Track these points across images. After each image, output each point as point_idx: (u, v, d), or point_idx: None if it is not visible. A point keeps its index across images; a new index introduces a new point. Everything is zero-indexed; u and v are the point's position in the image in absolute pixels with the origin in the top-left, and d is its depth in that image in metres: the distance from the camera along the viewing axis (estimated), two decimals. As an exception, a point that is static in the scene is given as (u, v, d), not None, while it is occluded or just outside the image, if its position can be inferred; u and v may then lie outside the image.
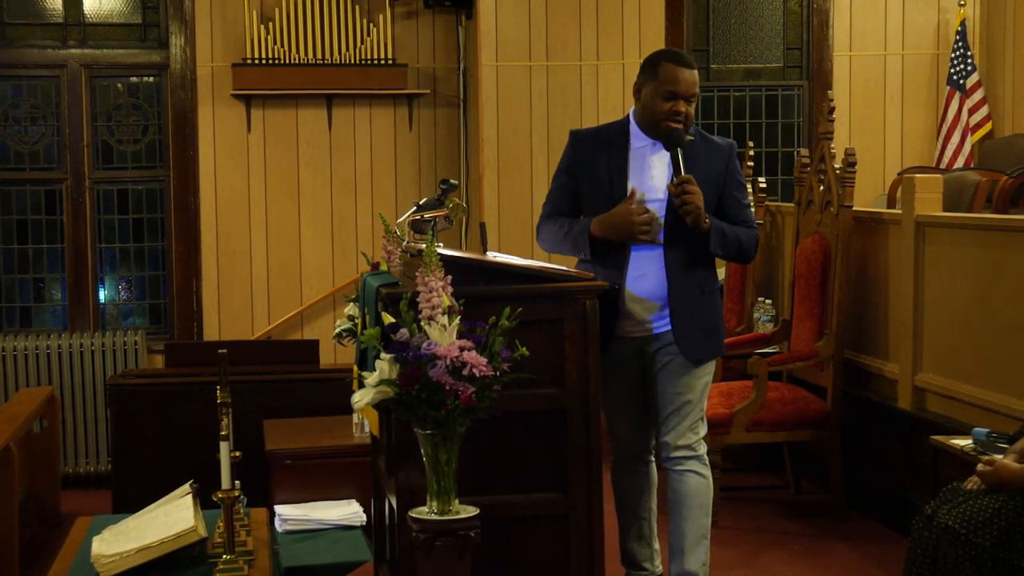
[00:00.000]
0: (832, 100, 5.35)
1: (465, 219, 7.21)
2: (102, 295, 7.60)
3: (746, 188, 3.98)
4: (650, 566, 3.96)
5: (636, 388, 3.89)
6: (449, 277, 2.82)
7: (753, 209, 4.07)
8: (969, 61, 7.42)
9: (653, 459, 4.00)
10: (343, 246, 7.60)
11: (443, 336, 2.72)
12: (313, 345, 5.62)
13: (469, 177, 7.61)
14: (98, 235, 7.54)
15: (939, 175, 5.31)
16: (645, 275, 3.77)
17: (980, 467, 3.29)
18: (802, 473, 5.46)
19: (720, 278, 6.49)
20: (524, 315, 2.87)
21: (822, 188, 5.34)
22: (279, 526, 3.90)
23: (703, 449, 3.85)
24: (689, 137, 3.76)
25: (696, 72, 3.80)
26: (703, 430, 3.87)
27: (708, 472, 3.84)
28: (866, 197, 7.09)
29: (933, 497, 3.43)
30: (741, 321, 6.04)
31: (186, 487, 3.35)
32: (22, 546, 4.72)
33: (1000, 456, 3.39)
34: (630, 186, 3.76)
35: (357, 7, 7.44)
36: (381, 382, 2.75)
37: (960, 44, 7.42)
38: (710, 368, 3.90)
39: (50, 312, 7.59)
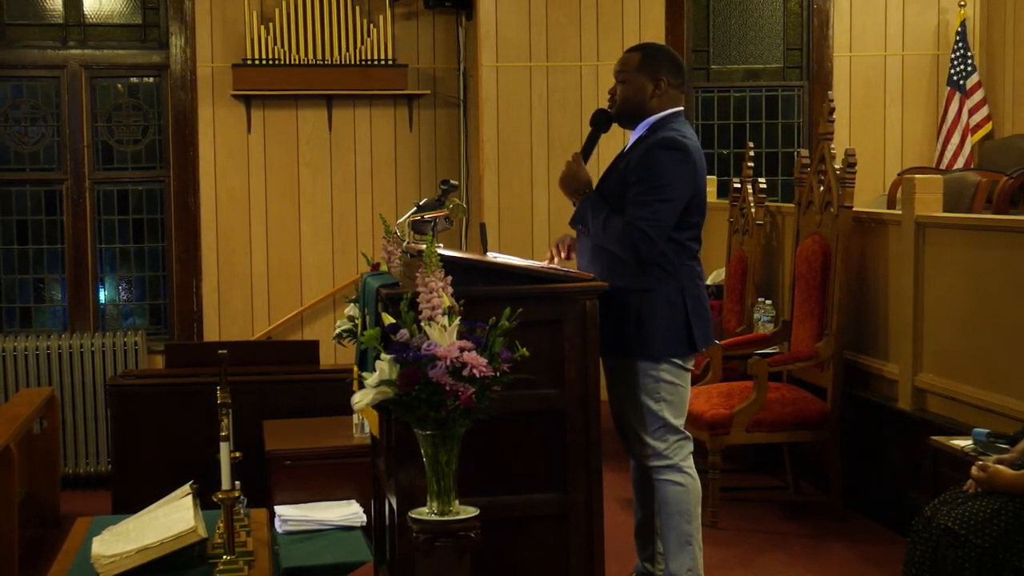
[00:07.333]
0: (832, 101, 5.34)
1: (465, 219, 7.22)
2: (102, 295, 7.60)
3: (651, 184, 3.58)
4: (649, 566, 3.97)
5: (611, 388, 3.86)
6: (449, 278, 2.82)
7: (657, 209, 3.56)
8: (969, 62, 7.42)
9: None
10: (343, 247, 7.61)
11: (443, 337, 2.72)
12: (313, 346, 5.62)
13: (469, 177, 7.61)
14: (98, 235, 7.55)
15: (939, 176, 5.31)
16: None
17: (974, 470, 3.29)
18: (802, 474, 5.45)
19: (714, 280, 6.51)
20: (524, 316, 2.86)
21: (822, 189, 5.33)
22: (279, 527, 3.90)
23: (679, 455, 3.72)
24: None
25: (630, 54, 3.80)
26: (672, 436, 3.71)
27: (686, 478, 3.73)
28: (866, 198, 7.09)
29: (933, 498, 3.42)
30: (741, 322, 6.03)
31: (186, 488, 3.35)
32: (22, 547, 4.72)
33: (997, 456, 3.39)
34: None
35: (357, 8, 7.44)
36: (381, 383, 2.75)
37: (960, 45, 7.42)
38: (637, 376, 3.67)
39: (50, 312, 7.60)
